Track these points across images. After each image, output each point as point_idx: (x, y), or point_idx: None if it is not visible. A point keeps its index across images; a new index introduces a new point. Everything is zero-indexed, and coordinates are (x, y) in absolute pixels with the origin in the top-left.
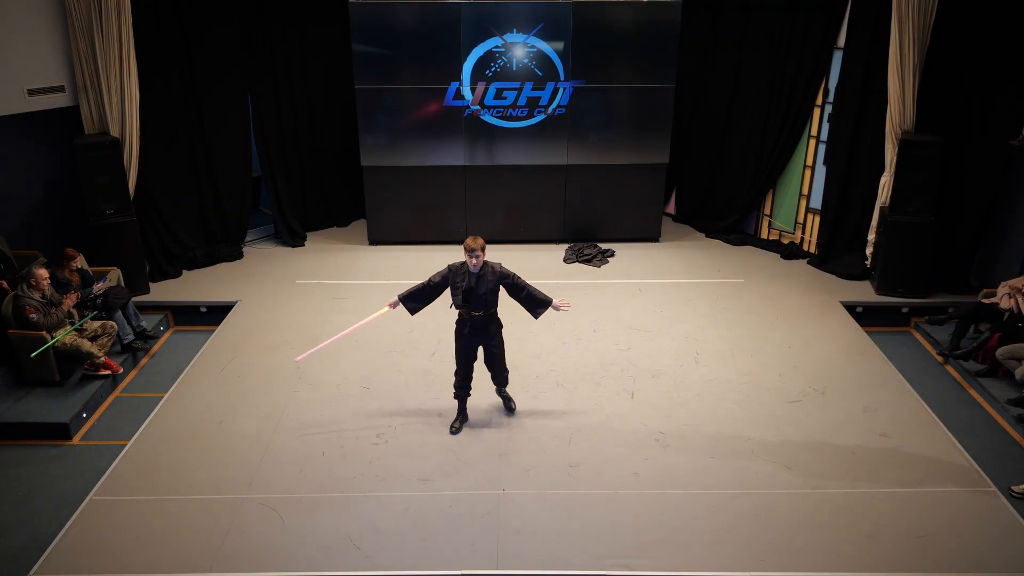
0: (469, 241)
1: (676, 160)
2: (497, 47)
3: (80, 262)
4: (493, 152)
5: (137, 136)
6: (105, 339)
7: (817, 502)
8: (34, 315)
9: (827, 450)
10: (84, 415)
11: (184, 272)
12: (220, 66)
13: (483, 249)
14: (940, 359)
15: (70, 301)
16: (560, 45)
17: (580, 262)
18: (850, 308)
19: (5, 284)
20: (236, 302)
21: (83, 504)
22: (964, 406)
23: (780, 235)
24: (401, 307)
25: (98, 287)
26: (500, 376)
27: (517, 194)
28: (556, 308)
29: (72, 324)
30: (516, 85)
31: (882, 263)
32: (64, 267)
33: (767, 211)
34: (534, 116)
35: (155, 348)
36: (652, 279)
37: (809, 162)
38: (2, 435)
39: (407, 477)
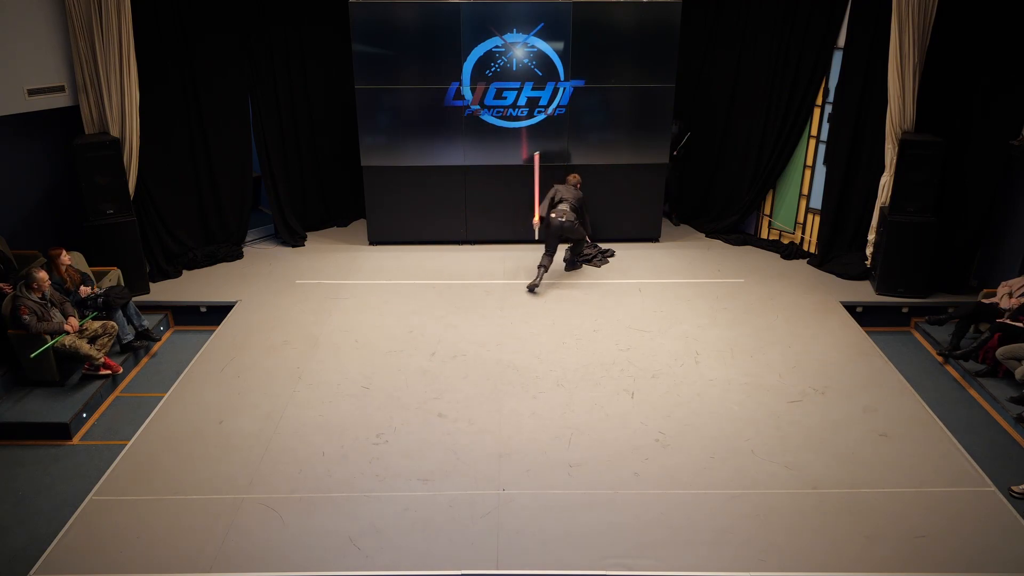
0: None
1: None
2: (497, 47)
3: (70, 259)
4: (493, 152)
5: (137, 136)
6: (105, 339)
7: (817, 502)
8: (27, 316)
9: (827, 450)
10: (84, 415)
11: (184, 272)
12: (220, 66)
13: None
14: (940, 359)
15: (71, 327)
16: (560, 45)
17: (580, 262)
18: (850, 308)
19: (8, 288)
20: (236, 302)
21: (83, 504)
22: (964, 406)
23: (780, 235)
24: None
25: (86, 290)
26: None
27: (517, 194)
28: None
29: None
30: (516, 85)
31: (882, 263)
32: (55, 268)
33: (767, 211)
34: (534, 116)
35: (155, 348)
36: (652, 279)
37: (809, 162)
38: (2, 435)
39: (407, 477)
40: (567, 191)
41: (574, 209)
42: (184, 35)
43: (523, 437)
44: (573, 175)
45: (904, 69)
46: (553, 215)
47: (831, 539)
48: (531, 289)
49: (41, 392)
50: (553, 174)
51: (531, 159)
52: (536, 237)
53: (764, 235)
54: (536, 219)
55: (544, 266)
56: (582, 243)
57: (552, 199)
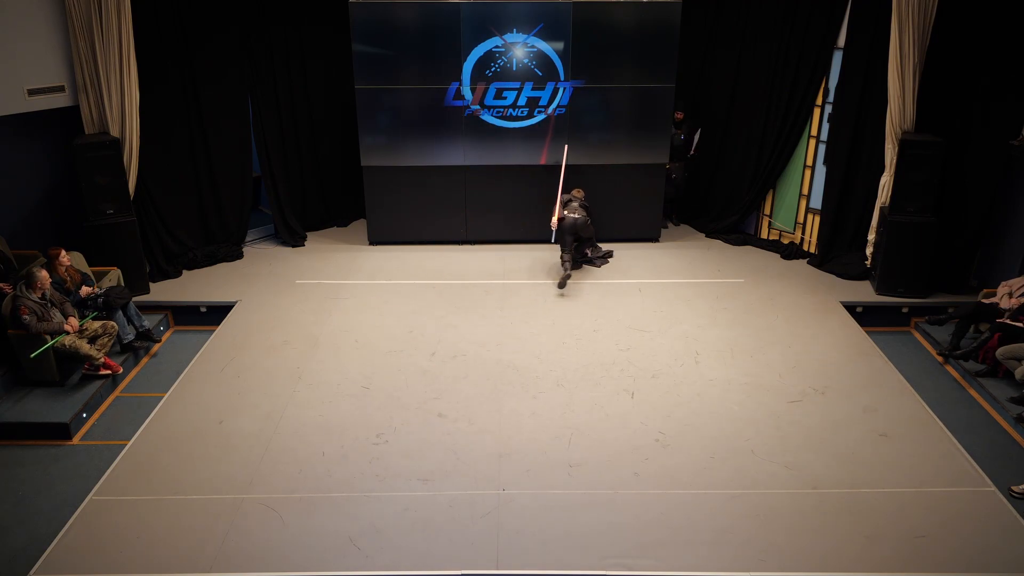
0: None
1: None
2: (497, 47)
3: (69, 259)
4: (493, 152)
5: (137, 136)
6: (105, 339)
7: (817, 502)
8: (27, 316)
9: (827, 450)
10: (84, 415)
11: (184, 272)
12: (220, 66)
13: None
14: (940, 359)
15: (71, 327)
16: (560, 45)
17: (581, 262)
18: (850, 308)
19: (8, 288)
20: (236, 302)
21: (83, 504)
22: (964, 406)
23: (780, 235)
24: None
25: (87, 290)
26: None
27: (517, 194)
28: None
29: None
30: (516, 85)
31: (882, 263)
32: (55, 268)
33: (767, 211)
34: (534, 116)
35: (155, 348)
36: (652, 279)
37: (809, 162)
38: (2, 435)
39: (407, 477)
40: (574, 199)
41: (583, 207)
42: (184, 35)
43: (523, 437)
44: (578, 190)
45: (904, 69)
46: (567, 212)
47: (831, 539)
48: (561, 285)
49: (41, 392)
50: (552, 173)
51: (550, 162)
52: (553, 240)
53: (764, 235)
54: (555, 220)
55: (566, 260)
56: (586, 243)
57: (563, 203)
